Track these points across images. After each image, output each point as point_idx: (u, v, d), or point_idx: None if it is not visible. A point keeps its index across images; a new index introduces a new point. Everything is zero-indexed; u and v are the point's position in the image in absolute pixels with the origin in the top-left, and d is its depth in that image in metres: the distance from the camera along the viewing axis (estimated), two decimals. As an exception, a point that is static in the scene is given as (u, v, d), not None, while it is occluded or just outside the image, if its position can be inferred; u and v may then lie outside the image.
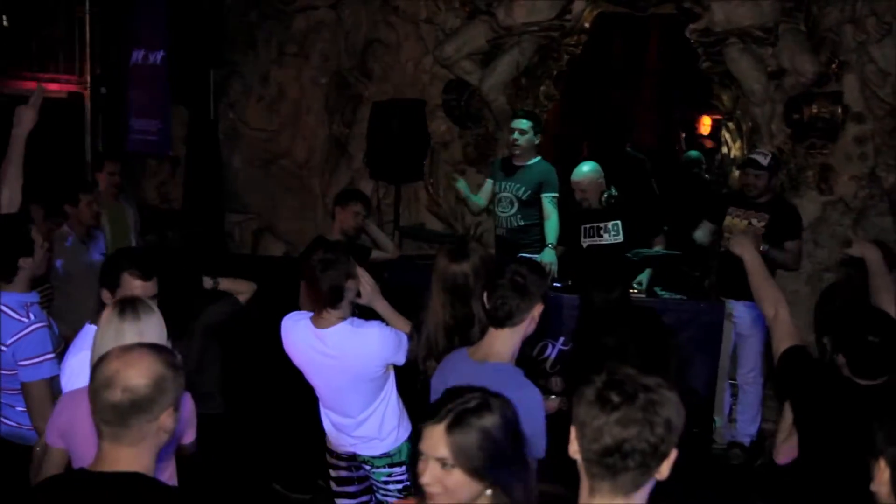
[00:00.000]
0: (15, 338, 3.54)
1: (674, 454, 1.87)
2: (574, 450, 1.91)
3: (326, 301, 3.54)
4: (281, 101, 8.05)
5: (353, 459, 3.83)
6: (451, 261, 3.55)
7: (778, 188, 5.98)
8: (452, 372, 3.09)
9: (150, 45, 7.48)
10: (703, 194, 7.35)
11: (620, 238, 5.75)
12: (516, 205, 6.07)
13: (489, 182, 6.32)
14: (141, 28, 7.52)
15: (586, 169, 5.86)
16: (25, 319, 3.58)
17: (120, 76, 7.83)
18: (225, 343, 4.37)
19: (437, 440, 2.02)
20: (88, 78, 7.66)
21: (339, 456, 3.86)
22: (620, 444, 1.82)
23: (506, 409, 2.09)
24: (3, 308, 3.59)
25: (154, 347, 2.27)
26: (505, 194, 6.12)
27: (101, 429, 2.16)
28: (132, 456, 2.15)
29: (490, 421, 2.03)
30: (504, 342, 3.03)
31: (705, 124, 9.45)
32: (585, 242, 5.85)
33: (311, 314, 3.65)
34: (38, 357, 3.54)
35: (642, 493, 1.89)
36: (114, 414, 2.12)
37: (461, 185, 6.40)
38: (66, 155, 7.54)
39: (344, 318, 3.57)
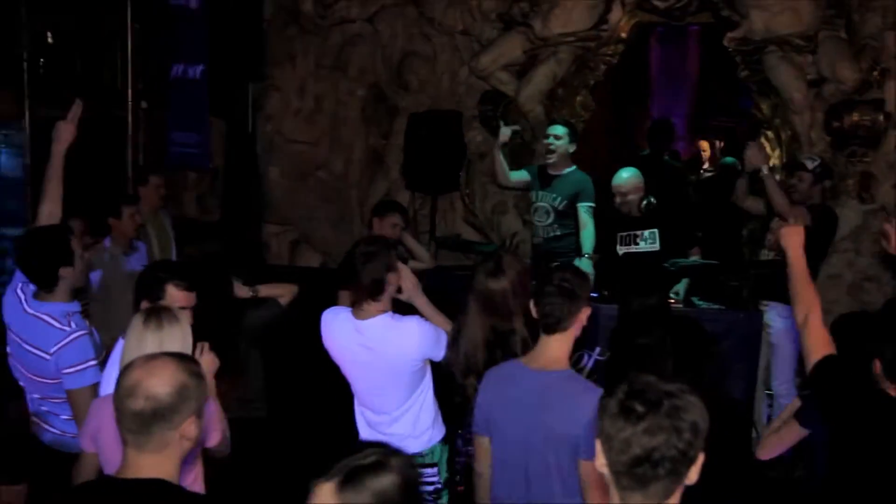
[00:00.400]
0: (58, 346, 3.59)
1: (701, 458, 1.86)
2: (601, 463, 1.90)
3: (367, 293, 3.56)
4: (318, 113, 8.12)
5: None
6: (488, 278, 3.57)
7: (818, 194, 5.79)
8: (510, 383, 3.10)
9: (189, 59, 7.57)
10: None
11: (657, 246, 5.71)
12: (552, 215, 6.06)
13: (524, 172, 6.31)
14: (181, 42, 7.62)
15: (626, 174, 5.82)
16: (67, 328, 3.63)
17: (160, 90, 7.94)
18: (268, 350, 4.41)
19: (326, 499, 1.80)
20: (130, 92, 7.77)
21: None
22: (650, 454, 1.81)
23: (406, 468, 1.86)
24: (46, 318, 3.65)
25: (177, 356, 2.30)
26: (541, 204, 6.11)
27: (126, 436, 2.19)
28: (155, 463, 2.18)
29: (387, 481, 1.81)
30: (559, 348, 3.06)
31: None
32: (621, 250, 5.81)
33: (351, 308, 3.67)
34: (81, 364, 3.59)
35: (674, 498, 1.88)
36: (136, 422, 2.16)
37: (504, 130, 6.30)
38: (108, 169, 7.65)
39: (384, 311, 3.59)
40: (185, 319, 3.03)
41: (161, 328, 2.90)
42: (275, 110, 8.20)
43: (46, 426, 3.76)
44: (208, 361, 3.01)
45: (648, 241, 5.72)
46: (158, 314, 2.96)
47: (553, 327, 3.03)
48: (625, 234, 5.80)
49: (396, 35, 7.79)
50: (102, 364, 3.60)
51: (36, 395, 3.75)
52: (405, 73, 7.76)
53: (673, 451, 1.81)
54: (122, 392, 2.18)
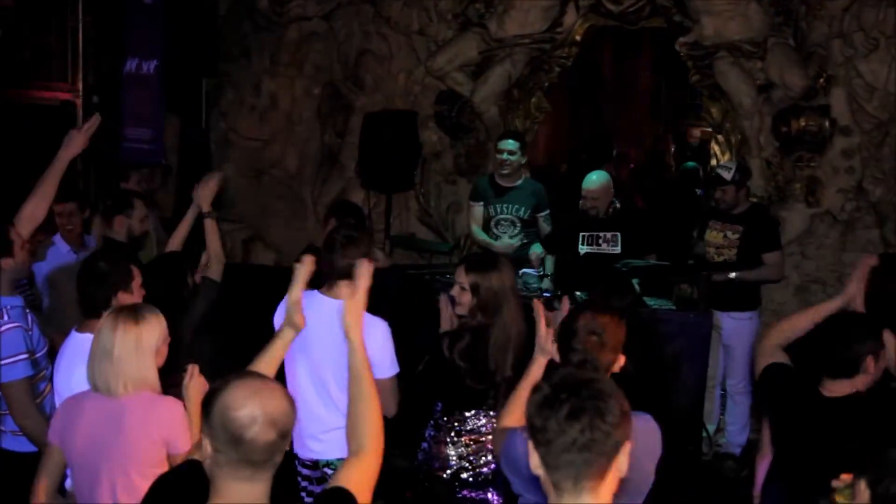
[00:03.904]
0: None
1: (629, 445, 1.91)
2: (536, 464, 1.93)
3: (340, 274, 3.54)
4: (273, 110, 8.08)
5: (316, 467, 3.75)
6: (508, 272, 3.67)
7: (744, 198, 5.85)
8: None
9: (143, 53, 7.48)
10: (694, 208, 7.37)
11: (618, 250, 5.78)
12: (519, 225, 6.13)
13: (479, 207, 6.31)
14: (135, 37, 7.52)
15: (597, 177, 5.87)
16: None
17: (113, 85, 7.83)
18: (216, 349, 4.35)
19: None
20: (81, 86, 7.66)
21: (304, 464, 3.79)
22: (575, 439, 1.85)
23: None
24: None
25: (261, 376, 2.11)
26: (504, 216, 6.16)
27: (242, 469, 1.96)
28: (261, 493, 2.01)
29: None
30: None
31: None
32: (583, 249, 5.86)
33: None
34: (10, 358, 3.49)
35: (607, 487, 1.92)
36: (266, 453, 1.96)
37: (536, 248, 6.00)
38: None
39: None
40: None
41: (146, 321, 2.93)
42: (229, 107, 8.14)
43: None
44: (198, 384, 2.90)
45: (611, 244, 5.79)
46: (136, 310, 2.98)
47: None
48: (588, 234, 5.86)
49: (352, 33, 7.78)
50: (52, 356, 3.55)
51: None
52: (361, 71, 7.75)
53: (599, 434, 1.85)
54: (240, 424, 1.93)
